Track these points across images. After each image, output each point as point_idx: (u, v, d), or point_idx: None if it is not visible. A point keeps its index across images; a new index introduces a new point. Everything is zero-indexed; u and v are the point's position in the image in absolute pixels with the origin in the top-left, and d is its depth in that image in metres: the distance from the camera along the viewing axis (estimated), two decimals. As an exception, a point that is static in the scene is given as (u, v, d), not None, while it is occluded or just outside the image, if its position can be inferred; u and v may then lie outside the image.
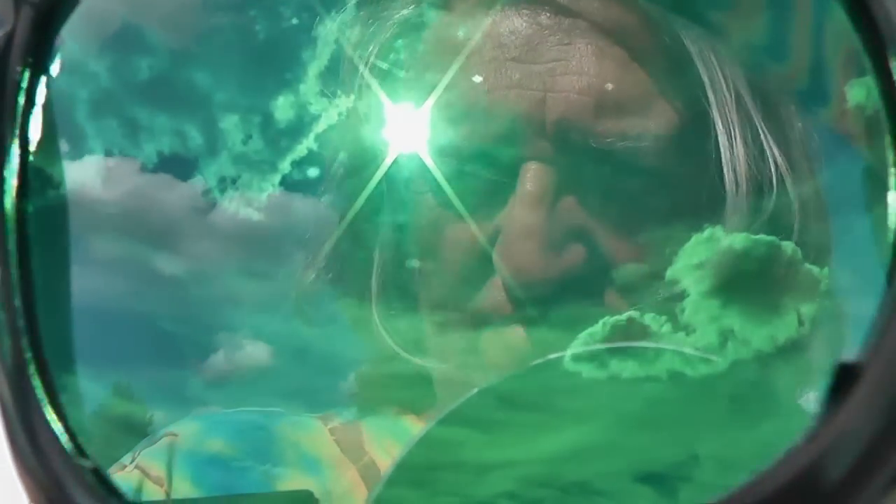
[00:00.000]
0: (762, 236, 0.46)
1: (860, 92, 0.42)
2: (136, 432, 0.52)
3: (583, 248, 0.47)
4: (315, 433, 0.54)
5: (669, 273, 0.46)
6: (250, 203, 0.50)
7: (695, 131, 0.47)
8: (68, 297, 0.42)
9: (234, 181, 0.50)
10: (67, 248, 0.43)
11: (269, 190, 0.50)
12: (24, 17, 0.41)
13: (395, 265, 0.52)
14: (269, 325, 0.52)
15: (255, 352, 0.51)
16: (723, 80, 0.47)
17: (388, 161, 0.48)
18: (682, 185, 0.47)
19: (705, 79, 0.47)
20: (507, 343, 0.48)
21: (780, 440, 0.39)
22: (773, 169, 0.47)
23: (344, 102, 0.49)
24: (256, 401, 0.53)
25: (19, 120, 0.40)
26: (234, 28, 0.51)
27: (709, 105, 0.47)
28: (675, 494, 0.39)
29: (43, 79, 0.41)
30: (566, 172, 0.47)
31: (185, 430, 0.53)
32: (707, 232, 0.46)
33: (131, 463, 0.51)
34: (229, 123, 0.50)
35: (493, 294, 0.48)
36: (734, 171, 0.47)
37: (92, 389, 0.46)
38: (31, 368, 0.37)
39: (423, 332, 0.51)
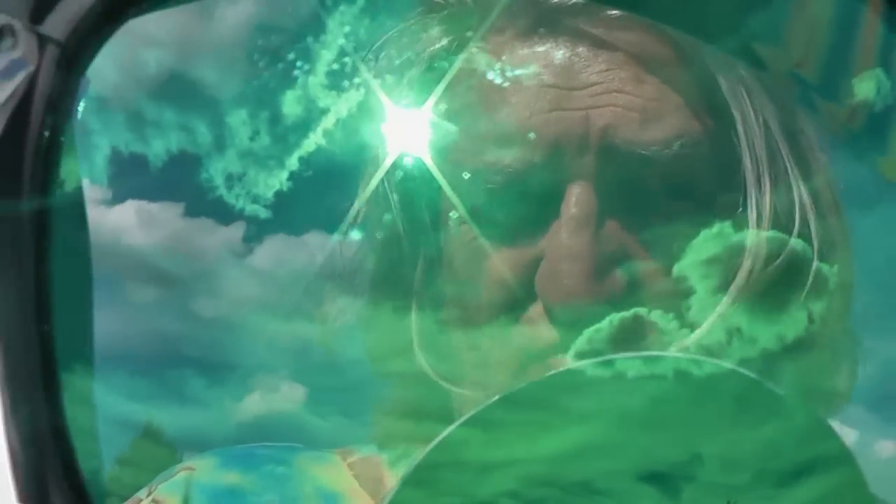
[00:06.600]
0: (772, 233, 0.45)
1: (869, 86, 0.42)
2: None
3: (624, 271, 0.47)
4: (333, 467, 0.54)
5: (676, 269, 0.45)
6: (257, 200, 0.50)
7: (725, 166, 0.47)
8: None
9: (240, 178, 0.50)
10: (88, 290, 0.42)
11: (276, 186, 0.50)
12: (49, 57, 0.39)
13: (434, 295, 0.52)
14: (297, 364, 0.52)
15: (285, 391, 0.51)
16: (752, 113, 0.47)
17: (428, 192, 0.49)
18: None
19: (735, 113, 0.47)
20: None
21: (784, 440, 0.39)
22: (798, 205, 0.47)
23: (355, 95, 0.49)
24: (280, 437, 0.53)
25: (42, 164, 0.39)
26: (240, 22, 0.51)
27: (738, 140, 0.47)
28: (679, 494, 0.39)
29: (67, 122, 0.40)
30: (609, 192, 0.47)
31: (202, 464, 0.53)
32: (716, 228, 0.45)
33: (147, 497, 0.52)
34: (236, 119, 0.50)
35: (535, 323, 0.48)
36: (758, 208, 0.46)
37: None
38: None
39: (463, 362, 0.50)
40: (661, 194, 0.47)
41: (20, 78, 0.38)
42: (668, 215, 0.47)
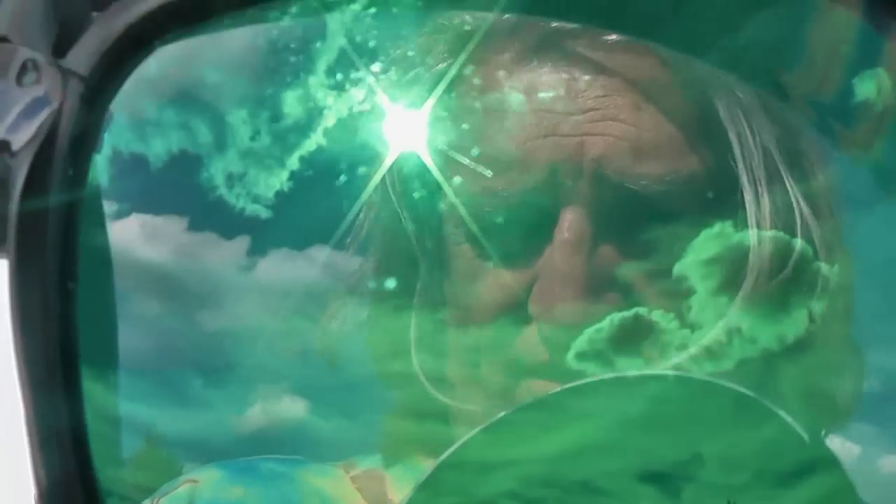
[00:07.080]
0: (772, 232, 0.45)
1: (870, 86, 0.42)
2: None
3: (618, 293, 0.47)
4: (337, 481, 0.54)
5: (677, 268, 0.45)
6: (257, 199, 0.50)
7: (722, 190, 0.47)
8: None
9: (241, 177, 0.50)
10: (108, 312, 0.42)
11: (276, 186, 0.50)
12: (73, 92, 0.38)
13: (431, 312, 0.52)
14: (298, 375, 0.52)
15: (287, 403, 0.51)
16: (750, 137, 0.47)
17: (423, 213, 0.49)
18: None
19: (732, 137, 0.47)
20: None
21: (784, 440, 0.39)
22: (799, 222, 0.47)
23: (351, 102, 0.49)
24: (281, 448, 0.53)
25: (68, 199, 0.38)
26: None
27: (735, 163, 0.47)
28: (679, 494, 0.39)
29: (93, 157, 0.40)
30: (603, 218, 0.47)
31: (206, 477, 0.53)
32: (716, 228, 0.45)
33: None
34: (237, 119, 0.50)
35: (528, 343, 0.48)
36: (758, 227, 0.46)
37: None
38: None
39: (455, 377, 0.50)
40: (654, 221, 0.47)
41: (44, 115, 0.37)
42: (663, 239, 0.47)
